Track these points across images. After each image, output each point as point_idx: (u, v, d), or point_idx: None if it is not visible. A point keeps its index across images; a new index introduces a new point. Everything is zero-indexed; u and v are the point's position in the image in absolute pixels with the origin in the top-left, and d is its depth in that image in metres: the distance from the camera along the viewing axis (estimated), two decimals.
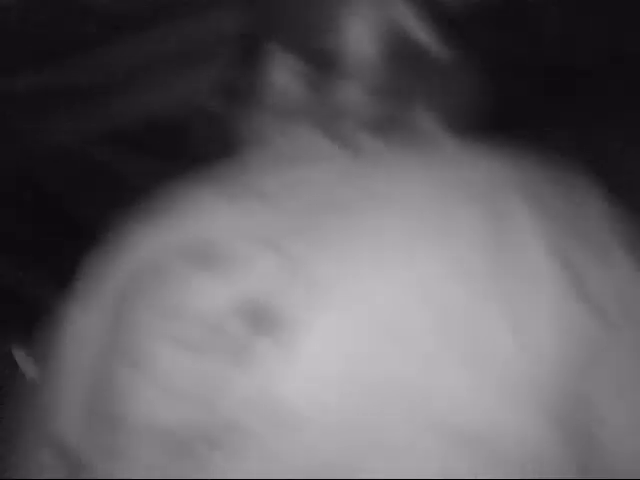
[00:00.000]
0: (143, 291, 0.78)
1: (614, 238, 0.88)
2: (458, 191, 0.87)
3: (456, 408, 0.75)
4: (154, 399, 0.76)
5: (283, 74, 1.01)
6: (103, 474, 0.76)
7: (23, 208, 2.08)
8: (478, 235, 0.83)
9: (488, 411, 0.75)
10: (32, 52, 1.60)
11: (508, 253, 0.81)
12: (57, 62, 1.55)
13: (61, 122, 1.68)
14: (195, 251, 0.79)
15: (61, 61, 1.57)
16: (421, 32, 0.97)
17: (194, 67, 1.56)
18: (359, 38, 0.97)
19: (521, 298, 0.79)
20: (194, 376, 0.76)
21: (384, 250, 0.82)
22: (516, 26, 1.05)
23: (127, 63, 1.59)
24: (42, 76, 1.55)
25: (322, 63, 0.98)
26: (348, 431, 0.74)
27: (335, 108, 0.96)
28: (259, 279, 0.78)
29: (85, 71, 1.57)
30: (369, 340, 0.78)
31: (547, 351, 0.77)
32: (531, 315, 0.79)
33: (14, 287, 2.16)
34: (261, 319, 0.77)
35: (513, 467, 0.74)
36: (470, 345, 0.78)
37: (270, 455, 0.73)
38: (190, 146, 1.92)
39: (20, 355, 1.67)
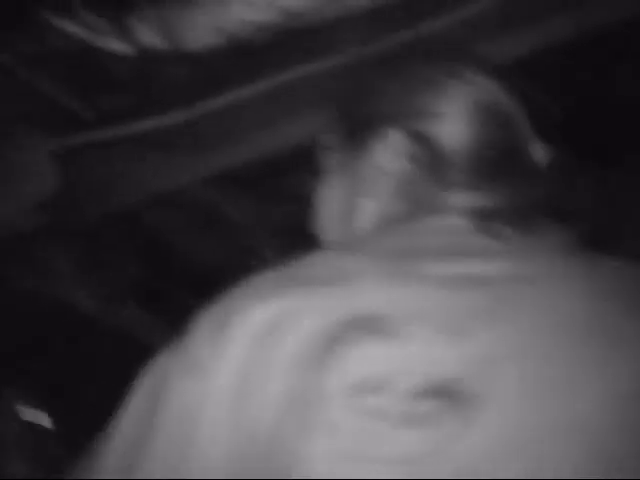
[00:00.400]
0: (319, 358, 0.81)
1: None
2: (619, 301, 0.91)
3: None
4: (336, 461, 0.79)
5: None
6: None
7: (134, 252, 2.15)
8: None
9: None
10: (145, 98, 1.66)
11: None
12: (177, 107, 1.62)
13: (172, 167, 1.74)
14: (366, 323, 0.82)
15: (176, 107, 1.64)
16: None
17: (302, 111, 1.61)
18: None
19: None
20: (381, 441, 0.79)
21: (554, 335, 0.86)
22: None
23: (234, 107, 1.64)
24: (164, 119, 1.61)
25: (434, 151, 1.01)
26: None
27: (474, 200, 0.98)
28: (433, 355, 0.82)
29: (197, 117, 1.63)
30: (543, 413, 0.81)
31: None
32: None
33: (130, 330, 2.24)
34: (442, 393, 0.80)
35: None
36: None
37: None
38: (293, 185, 1.98)
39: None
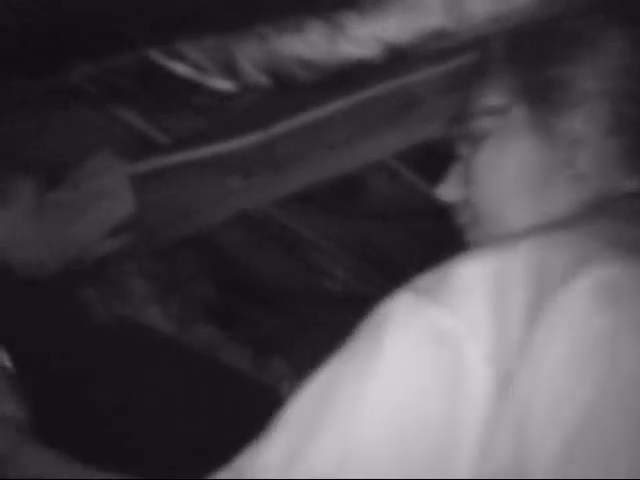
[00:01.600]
0: None
1: None
2: None
3: None
4: None
5: None
6: None
7: (209, 272, 2.17)
8: None
9: None
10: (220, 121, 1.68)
11: None
12: (253, 129, 1.63)
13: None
14: None
15: (252, 129, 1.65)
16: None
17: (379, 129, 1.61)
18: None
19: None
20: None
21: None
22: None
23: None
24: (240, 142, 1.62)
25: None
26: None
27: None
28: None
29: (273, 139, 1.64)
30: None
31: None
32: None
33: (206, 349, 2.26)
34: None
35: None
36: None
37: None
38: (368, 204, 1.98)
39: None
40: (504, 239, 0.88)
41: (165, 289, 2.11)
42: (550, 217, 0.97)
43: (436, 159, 1.87)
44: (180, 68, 1.31)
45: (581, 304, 0.78)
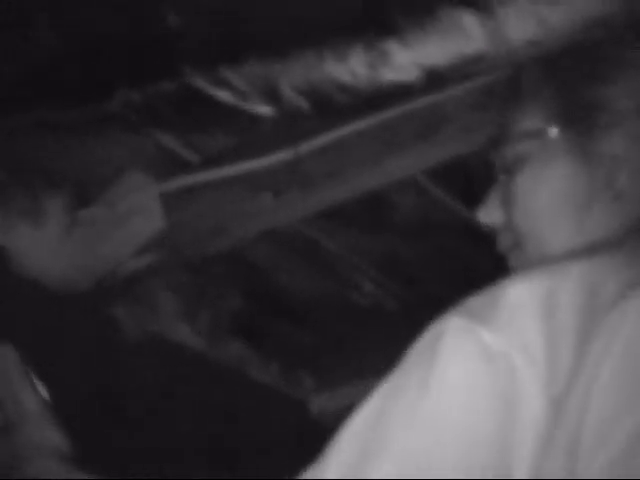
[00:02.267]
0: None
1: None
2: None
3: None
4: None
5: None
6: None
7: (239, 288, 2.18)
8: None
9: None
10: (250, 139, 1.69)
11: None
12: (282, 146, 1.65)
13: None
14: None
15: (281, 147, 1.67)
16: None
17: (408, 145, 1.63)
18: None
19: None
20: None
21: None
22: None
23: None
24: (269, 159, 1.64)
25: None
26: None
27: None
28: None
29: (302, 156, 1.66)
30: None
31: None
32: None
33: (236, 365, 2.27)
34: None
35: None
36: None
37: None
38: (396, 219, 1.99)
39: None
40: (551, 263, 0.89)
41: (194, 305, 2.13)
42: (592, 239, 0.98)
43: (464, 176, 1.89)
44: (221, 94, 1.33)
45: (631, 326, 0.79)
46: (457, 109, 1.60)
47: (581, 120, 1.02)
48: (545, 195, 1.03)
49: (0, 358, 1.31)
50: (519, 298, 0.82)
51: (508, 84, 1.12)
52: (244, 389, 2.23)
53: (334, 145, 1.66)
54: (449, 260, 2.10)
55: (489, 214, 1.10)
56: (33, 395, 1.24)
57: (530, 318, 0.81)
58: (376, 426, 0.81)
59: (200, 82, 1.32)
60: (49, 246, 1.83)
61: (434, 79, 1.24)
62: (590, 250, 0.91)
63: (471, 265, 2.04)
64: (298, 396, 2.36)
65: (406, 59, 1.24)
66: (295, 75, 1.29)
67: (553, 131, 1.03)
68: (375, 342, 2.31)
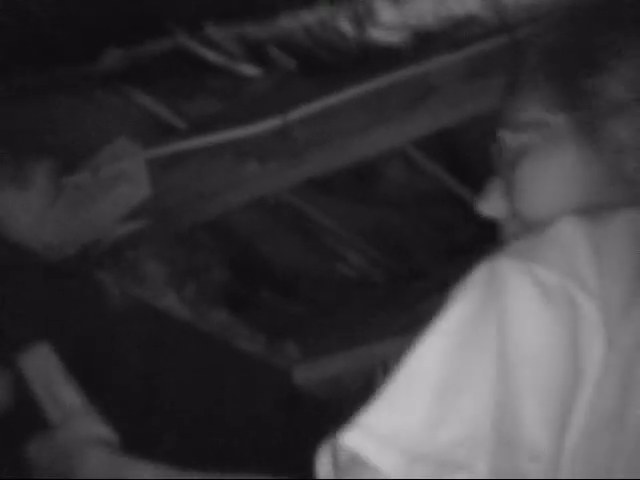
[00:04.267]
0: None
1: None
2: None
3: None
4: None
5: None
6: None
7: (225, 257, 2.18)
8: None
9: None
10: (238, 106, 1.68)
11: None
12: (270, 115, 1.64)
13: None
14: None
15: (269, 115, 1.66)
16: None
17: (396, 115, 1.62)
18: None
19: None
20: None
21: None
22: None
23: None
24: (257, 127, 1.63)
25: None
26: None
27: None
28: None
29: (290, 125, 1.65)
30: None
31: None
32: None
33: (220, 333, 2.26)
34: None
35: None
36: None
37: None
38: (384, 190, 1.99)
39: None
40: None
41: (181, 273, 2.12)
42: None
43: (452, 147, 1.88)
44: (208, 54, 1.31)
45: None
46: (446, 79, 1.59)
47: (582, 109, 1.01)
48: (553, 182, 1.02)
49: (40, 358, 1.33)
50: (568, 237, 0.83)
51: (509, 79, 1.11)
52: (229, 358, 2.23)
53: (322, 114, 1.65)
54: (436, 231, 2.10)
55: (492, 207, 1.08)
56: (73, 392, 1.28)
57: (582, 255, 0.82)
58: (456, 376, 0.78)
59: (187, 41, 1.31)
60: (35, 212, 1.82)
61: (423, 42, 1.23)
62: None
63: (458, 236, 2.04)
64: (283, 365, 2.36)
65: (395, 19, 1.23)
66: (283, 34, 1.28)
67: (557, 120, 1.03)
68: (361, 312, 2.32)
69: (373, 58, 1.29)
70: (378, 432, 0.76)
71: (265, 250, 2.15)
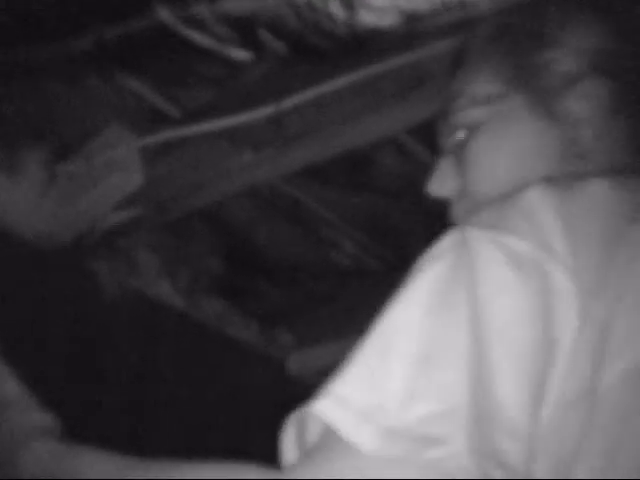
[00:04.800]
0: None
1: None
2: None
3: None
4: None
5: None
6: None
7: (218, 246, 2.17)
8: None
9: None
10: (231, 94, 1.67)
11: None
12: (263, 102, 1.63)
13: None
14: None
15: (262, 103, 1.65)
16: None
17: (388, 103, 1.61)
18: None
19: None
20: None
21: None
22: None
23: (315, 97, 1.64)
24: (250, 115, 1.62)
25: None
26: None
27: None
28: None
29: (283, 113, 1.64)
30: None
31: None
32: None
33: (213, 322, 2.26)
34: None
35: None
36: None
37: None
38: (377, 178, 1.98)
39: None
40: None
41: (174, 262, 2.12)
42: None
43: None
44: (197, 36, 1.30)
45: None
46: (438, 67, 1.58)
47: (535, 83, 1.00)
48: (508, 157, 1.00)
49: None
50: (537, 207, 0.82)
51: (458, 55, 1.09)
52: (223, 347, 2.23)
53: (315, 102, 1.64)
54: (430, 218, 2.09)
55: (442, 186, 1.06)
56: (11, 381, 1.21)
57: (553, 227, 0.80)
58: (431, 341, 0.77)
59: (173, 23, 1.30)
60: (28, 200, 1.82)
61: (414, 25, 1.22)
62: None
63: (453, 224, 2.03)
64: (277, 354, 2.36)
65: (385, 1, 1.22)
66: (272, 16, 1.27)
67: (511, 94, 1.01)
68: (355, 301, 2.32)
69: (365, 42, 1.28)
70: (354, 405, 0.74)
71: (259, 239, 2.14)
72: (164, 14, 1.30)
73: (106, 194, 1.83)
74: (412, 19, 1.22)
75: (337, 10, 1.25)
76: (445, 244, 0.82)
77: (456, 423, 0.73)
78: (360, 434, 0.73)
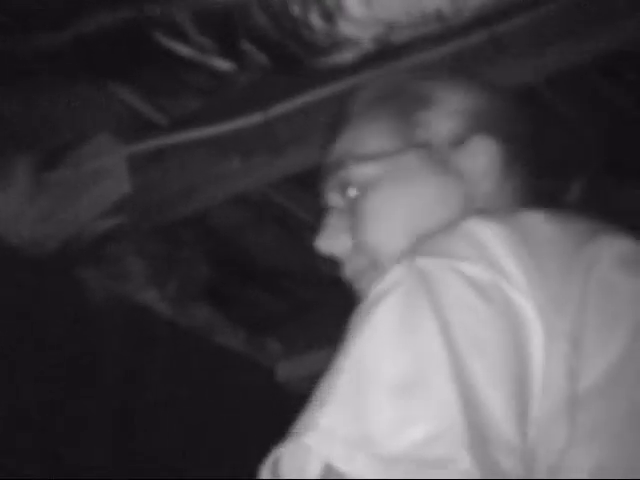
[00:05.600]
0: None
1: None
2: None
3: None
4: None
5: None
6: None
7: (206, 253, 2.17)
8: None
9: None
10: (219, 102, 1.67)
11: None
12: (251, 110, 1.63)
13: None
14: None
15: (250, 110, 1.65)
16: None
17: None
18: None
19: None
20: None
21: None
22: None
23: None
24: (238, 123, 1.62)
25: None
26: None
27: None
28: None
29: (271, 120, 1.64)
30: None
31: None
32: None
33: (202, 329, 2.25)
34: None
35: None
36: None
37: None
38: None
39: None
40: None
41: (162, 270, 2.11)
42: None
43: None
44: (181, 48, 1.31)
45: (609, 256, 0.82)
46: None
47: (421, 140, 1.02)
48: (406, 212, 1.00)
49: None
50: (479, 235, 0.81)
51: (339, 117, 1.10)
52: (211, 355, 2.22)
53: (303, 109, 1.65)
54: None
55: (332, 244, 1.05)
56: None
57: (501, 253, 0.80)
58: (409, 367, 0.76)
59: (161, 36, 1.30)
60: (15, 207, 1.81)
61: (393, 37, 1.22)
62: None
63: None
64: (265, 362, 2.36)
65: (365, 13, 1.22)
66: (255, 27, 1.27)
67: (403, 150, 1.01)
68: (343, 309, 2.31)
69: (344, 52, 1.28)
70: (343, 436, 0.73)
71: (248, 246, 2.14)
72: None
73: (94, 202, 1.82)
74: (391, 31, 1.22)
75: (316, 21, 1.25)
76: (393, 277, 0.81)
77: (458, 442, 0.72)
78: (357, 465, 0.72)
